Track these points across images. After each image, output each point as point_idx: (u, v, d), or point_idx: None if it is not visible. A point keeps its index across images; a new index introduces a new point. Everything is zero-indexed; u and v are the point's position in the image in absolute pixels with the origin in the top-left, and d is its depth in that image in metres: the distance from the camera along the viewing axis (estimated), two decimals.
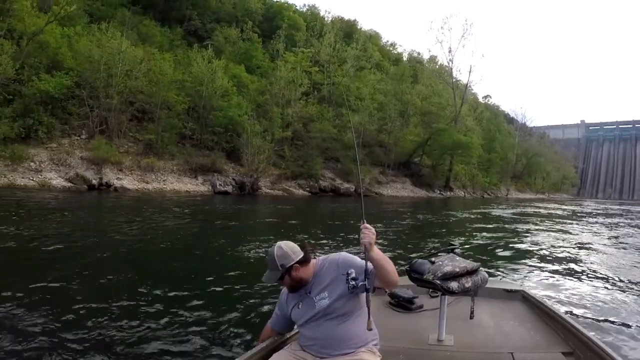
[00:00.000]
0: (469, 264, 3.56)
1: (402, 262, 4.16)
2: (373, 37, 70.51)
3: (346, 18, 69.83)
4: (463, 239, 14.09)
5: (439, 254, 3.83)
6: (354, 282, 2.55)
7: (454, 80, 62.90)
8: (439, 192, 53.87)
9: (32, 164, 26.99)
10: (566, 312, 4.96)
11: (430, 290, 4.25)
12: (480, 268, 3.66)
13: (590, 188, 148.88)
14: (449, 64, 63.86)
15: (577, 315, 6.48)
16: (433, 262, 3.56)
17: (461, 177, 61.23)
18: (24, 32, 30.58)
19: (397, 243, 12.74)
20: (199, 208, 21.93)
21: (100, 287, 6.64)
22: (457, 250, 3.92)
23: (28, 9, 31.86)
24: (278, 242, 2.82)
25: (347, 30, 62.18)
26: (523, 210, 34.23)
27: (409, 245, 12.30)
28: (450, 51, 63.78)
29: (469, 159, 57.38)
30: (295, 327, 3.03)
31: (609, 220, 27.99)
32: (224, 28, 49.96)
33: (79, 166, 28.08)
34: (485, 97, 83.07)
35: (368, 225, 2.56)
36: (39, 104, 28.80)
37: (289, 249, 2.78)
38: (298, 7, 67.44)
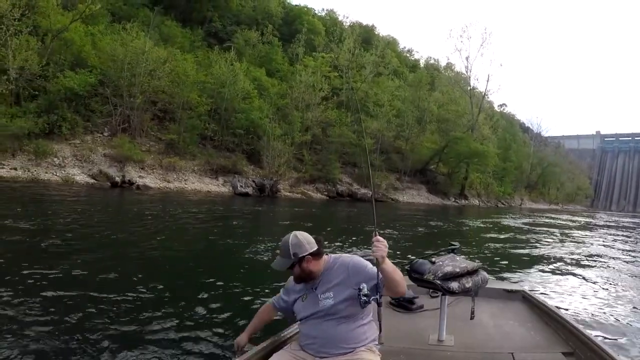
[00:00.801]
0: (469, 264, 3.60)
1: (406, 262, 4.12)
2: (390, 43, 70.46)
3: (364, 23, 70.12)
4: (475, 248, 14.03)
5: (439, 254, 3.85)
6: (365, 298, 2.53)
7: (471, 88, 62.72)
8: (453, 199, 53.71)
9: (55, 159, 27.28)
10: (566, 313, 4.92)
11: (431, 290, 4.28)
12: (481, 268, 3.70)
13: (604, 200, 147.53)
14: (467, 72, 63.66)
15: (577, 316, 6.53)
16: (433, 263, 3.59)
17: (476, 186, 60.97)
18: (49, 29, 30.96)
19: (408, 248, 12.82)
20: (220, 208, 22.16)
21: (112, 283, 6.72)
22: (458, 251, 3.96)
23: (53, 6, 32.28)
24: (294, 231, 2.80)
25: (365, 36, 62.21)
26: (537, 220, 34.08)
27: (418, 249, 12.31)
28: (467, 59, 63.74)
29: (484, 167, 57.16)
30: (296, 323, 3.03)
31: (620, 232, 27.86)
32: (244, 31, 50.15)
33: (102, 163, 28.35)
34: (501, 105, 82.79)
35: (380, 238, 2.55)
36: (63, 101, 29.12)
37: (304, 238, 2.75)
38: (316, 12, 67.71)
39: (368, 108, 47.63)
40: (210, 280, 7.22)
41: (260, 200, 29.30)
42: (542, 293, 8.07)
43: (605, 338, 5.49)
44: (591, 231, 27.71)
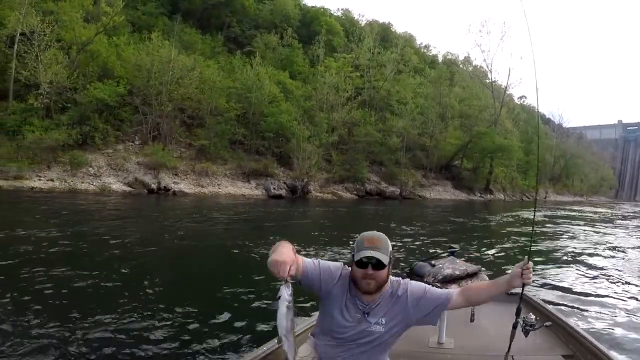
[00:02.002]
0: (469, 266, 3.64)
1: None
2: (408, 40, 70.26)
3: (380, 21, 70.09)
4: (499, 245, 13.87)
5: (439, 256, 3.86)
6: None
7: (493, 82, 62.30)
8: (479, 194, 53.41)
9: (90, 169, 27.72)
10: (566, 315, 4.81)
11: None
12: (481, 271, 3.72)
13: (629, 190, 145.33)
14: (487, 67, 63.24)
15: (577, 318, 6.48)
16: (433, 265, 3.62)
17: (501, 180, 60.55)
18: (74, 42, 31.40)
19: (433, 244, 12.83)
20: (260, 210, 22.37)
21: (143, 285, 7.01)
22: (457, 254, 3.95)
23: (77, 20, 32.73)
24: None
25: (383, 34, 62.19)
26: (561, 213, 34.11)
27: (444, 245, 12.26)
28: (487, 54, 63.36)
29: (509, 161, 56.79)
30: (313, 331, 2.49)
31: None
32: (264, 35, 50.38)
33: (136, 171, 28.74)
34: (521, 97, 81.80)
35: (531, 265, 2.33)
36: (94, 112, 29.50)
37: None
38: (332, 12, 67.72)
39: (392, 106, 47.58)
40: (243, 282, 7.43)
41: (293, 202, 29.63)
42: (545, 289, 8.32)
43: (606, 341, 5.35)
44: (613, 224, 27.45)
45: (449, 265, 3.54)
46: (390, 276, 2.39)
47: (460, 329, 3.78)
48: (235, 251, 10.54)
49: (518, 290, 4.77)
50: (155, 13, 47.21)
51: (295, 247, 2.18)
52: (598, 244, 16.08)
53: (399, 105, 47.68)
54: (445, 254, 3.91)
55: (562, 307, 7.10)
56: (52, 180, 25.90)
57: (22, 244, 9.58)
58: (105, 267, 8.00)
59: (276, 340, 1.96)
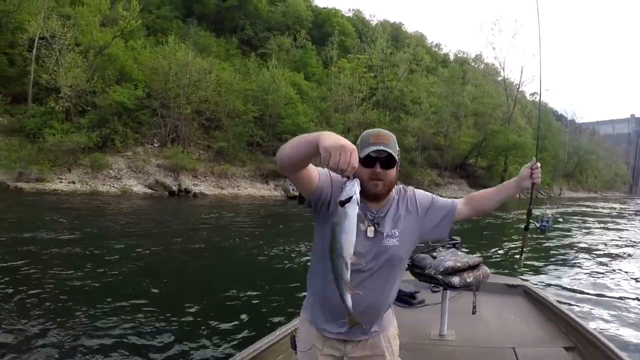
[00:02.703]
0: (470, 258, 3.61)
1: None
2: (419, 39, 70.18)
3: (391, 21, 70.12)
4: (508, 244, 13.83)
5: (440, 248, 3.82)
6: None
7: (505, 80, 62.06)
8: None
9: (111, 171, 28.05)
10: (568, 307, 4.93)
11: (432, 285, 4.10)
12: (482, 263, 3.69)
13: None
14: (500, 65, 63.04)
15: (579, 310, 6.59)
16: (435, 257, 3.58)
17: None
18: (91, 45, 31.76)
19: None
20: (276, 211, 22.59)
21: (159, 286, 7.34)
22: (459, 245, 3.95)
23: (95, 24, 33.05)
24: None
25: (394, 34, 62.19)
26: (575, 209, 34.32)
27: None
28: (499, 51, 63.04)
29: (523, 159, 56.43)
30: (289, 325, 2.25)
31: None
32: (277, 37, 50.53)
33: (157, 173, 29.04)
34: (533, 94, 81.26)
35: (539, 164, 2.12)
36: (113, 115, 29.78)
37: None
38: (344, 13, 67.84)
39: (407, 106, 47.58)
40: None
41: None
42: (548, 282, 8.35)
43: (607, 332, 5.55)
44: (627, 220, 27.49)
45: (451, 257, 3.52)
46: None
47: (462, 321, 3.77)
48: (255, 252, 10.81)
49: (519, 282, 4.89)
50: (170, 16, 47.63)
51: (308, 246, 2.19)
52: (609, 239, 16.26)
53: (413, 105, 47.63)
54: (447, 246, 3.91)
55: (566, 299, 7.24)
56: (73, 182, 26.24)
57: (42, 244, 9.97)
58: (123, 268, 8.35)
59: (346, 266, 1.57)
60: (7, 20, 30.86)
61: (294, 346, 2.13)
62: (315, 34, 56.04)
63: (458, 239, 4.00)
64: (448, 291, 3.55)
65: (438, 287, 3.55)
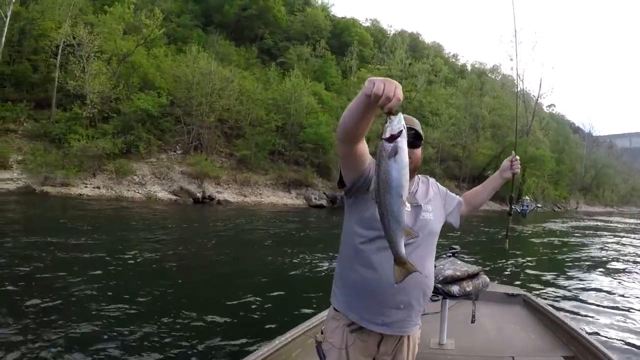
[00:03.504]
0: (470, 267, 3.60)
1: None
2: (436, 50, 70.34)
3: (409, 31, 70.33)
4: (526, 260, 13.48)
5: (440, 257, 3.78)
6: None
7: (524, 93, 61.87)
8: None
9: (135, 177, 28.25)
10: (567, 317, 4.83)
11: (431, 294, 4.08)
12: (481, 272, 3.67)
13: None
14: (519, 77, 62.96)
15: (579, 319, 6.59)
16: (435, 266, 3.50)
17: (533, 190, 59.94)
18: (114, 53, 32.27)
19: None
20: (298, 219, 22.67)
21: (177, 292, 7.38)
22: (459, 254, 3.95)
23: (119, 32, 33.47)
24: None
25: (412, 44, 62.33)
26: (591, 224, 34.01)
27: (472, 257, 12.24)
28: (513, 62, 62.85)
29: (541, 172, 56.24)
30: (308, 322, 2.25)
31: None
32: (296, 46, 50.79)
33: (180, 180, 29.23)
34: (549, 106, 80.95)
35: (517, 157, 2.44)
36: (137, 122, 30.03)
37: None
38: (361, 23, 68.15)
39: (426, 117, 47.58)
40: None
41: (333, 211, 29.72)
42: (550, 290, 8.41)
43: (606, 342, 5.49)
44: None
45: (450, 267, 3.52)
46: None
47: (461, 330, 3.77)
48: (277, 259, 10.85)
49: (519, 292, 4.83)
50: (190, 25, 48.12)
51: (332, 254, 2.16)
52: (616, 254, 16.11)
53: (433, 116, 47.64)
54: (446, 255, 3.91)
55: (566, 309, 7.22)
56: (98, 187, 26.48)
57: (68, 247, 10.16)
58: (145, 272, 8.61)
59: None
60: (31, 27, 31.31)
61: (321, 355, 2.04)
62: (333, 43, 56.30)
63: (457, 247, 4.02)
64: (447, 300, 3.54)
65: (437, 296, 3.48)
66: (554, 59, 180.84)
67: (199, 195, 28.18)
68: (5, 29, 28.35)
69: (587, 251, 16.59)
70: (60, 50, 30.18)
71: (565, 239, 21.24)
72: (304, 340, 3.34)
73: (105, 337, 5.10)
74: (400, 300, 1.92)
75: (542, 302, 4.61)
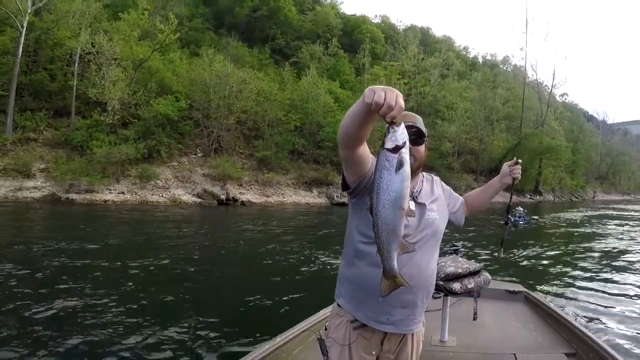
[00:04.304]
0: (471, 264, 3.57)
1: None
2: (447, 43, 70.04)
3: (419, 26, 70.14)
4: (540, 253, 13.45)
5: (441, 254, 3.66)
6: None
7: (538, 83, 61.52)
8: (529, 196, 52.61)
9: (158, 181, 28.51)
10: (568, 313, 4.91)
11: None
12: (483, 269, 3.65)
13: None
14: (532, 67, 62.61)
15: (581, 315, 6.63)
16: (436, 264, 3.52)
17: (550, 181, 59.64)
18: (130, 59, 32.58)
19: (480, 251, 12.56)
20: (321, 218, 23.01)
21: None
22: (460, 252, 3.93)
23: (135, 39, 33.70)
24: None
25: (422, 38, 62.12)
26: (608, 213, 33.93)
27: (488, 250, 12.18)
28: (521, 51, 62.48)
29: (558, 162, 55.87)
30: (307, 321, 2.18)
31: None
32: (308, 45, 50.81)
33: (203, 182, 29.45)
34: (562, 95, 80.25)
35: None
36: (158, 126, 30.24)
37: None
38: (371, 19, 68.06)
39: (440, 112, 47.45)
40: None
41: None
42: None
43: (608, 339, 5.53)
44: None
45: (451, 264, 3.50)
46: None
47: (462, 327, 3.77)
48: (299, 257, 11.06)
49: (520, 288, 4.83)
50: (201, 28, 48.29)
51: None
52: (626, 246, 15.71)
53: (448, 110, 47.49)
54: (448, 252, 3.91)
55: (568, 305, 7.29)
56: (123, 193, 26.76)
57: (98, 254, 10.45)
58: (170, 272, 8.91)
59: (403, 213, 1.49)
60: (46, 36, 31.59)
61: (324, 351, 2.04)
62: (344, 41, 56.24)
63: (459, 245, 4.04)
64: (449, 297, 3.54)
65: (439, 293, 3.48)
66: (566, 48, 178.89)
67: (223, 197, 28.46)
68: (22, 39, 28.72)
69: (597, 243, 16.34)
70: (78, 58, 30.49)
71: (576, 230, 21.19)
72: (306, 336, 3.38)
73: (126, 335, 5.29)
74: (406, 299, 1.92)
75: (543, 298, 4.64)
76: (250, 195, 30.19)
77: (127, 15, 36.02)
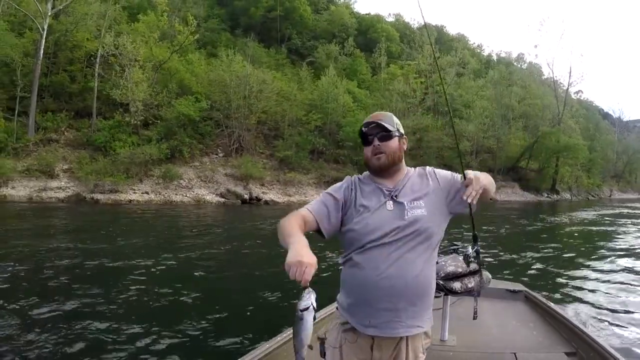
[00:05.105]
0: (471, 264, 3.45)
1: None
2: (461, 41, 69.92)
3: (433, 24, 70.06)
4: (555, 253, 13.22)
5: (441, 254, 3.70)
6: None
7: (555, 81, 61.10)
8: (546, 195, 52.34)
9: (181, 181, 28.73)
10: (568, 313, 4.88)
11: None
12: (483, 268, 3.60)
13: None
14: (548, 65, 62.20)
15: (580, 315, 6.56)
16: (437, 262, 3.48)
17: (567, 180, 59.24)
18: (150, 60, 32.96)
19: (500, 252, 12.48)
20: None
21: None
22: (460, 251, 3.78)
23: (155, 40, 33.96)
24: None
25: (436, 36, 62.13)
26: (621, 212, 33.33)
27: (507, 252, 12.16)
28: (535, 48, 61.99)
29: (575, 160, 55.49)
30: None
31: None
32: (324, 45, 50.93)
33: (225, 182, 29.66)
34: (577, 92, 79.49)
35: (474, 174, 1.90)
36: (180, 127, 30.45)
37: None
38: (385, 18, 68.09)
39: (459, 111, 47.34)
40: None
41: None
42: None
43: (608, 338, 5.50)
44: None
45: (452, 263, 3.47)
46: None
47: (463, 326, 3.77)
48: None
49: (520, 288, 4.98)
50: (217, 29, 48.58)
51: None
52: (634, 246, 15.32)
53: (466, 109, 47.38)
54: (448, 252, 3.84)
55: (568, 305, 7.25)
56: (147, 193, 27.01)
57: (130, 252, 10.60)
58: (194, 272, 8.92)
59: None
60: (65, 39, 31.93)
61: (322, 353, 2.07)
62: (359, 40, 56.46)
63: (459, 244, 3.95)
64: (449, 296, 3.52)
65: (439, 293, 3.43)
66: (582, 44, 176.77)
67: (246, 196, 28.74)
68: (43, 41, 29.07)
69: (604, 242, 16.00)
70: (98, 59, 30.82)
71: (585, 228, 20.87)
72: None
73: (130, 333, 5.38)
74: (385, 306, 1.86)
75: (543, 298, 4.63)
76: (272, 195, 30.44)
77: (146, 17, 36.37)
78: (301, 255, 1.59)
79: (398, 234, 1.85)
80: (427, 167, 2.11)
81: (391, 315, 1.85)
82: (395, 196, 1.94)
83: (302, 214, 1.93)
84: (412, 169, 2.09)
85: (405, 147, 2.05)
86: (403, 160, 2.05)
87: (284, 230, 1.79)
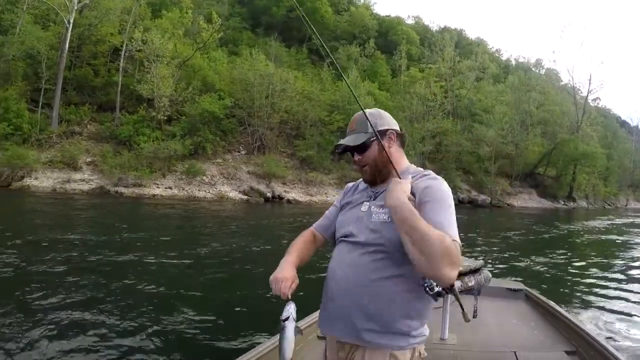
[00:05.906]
0: (472, 262, 3.49)
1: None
2: (480, 45, 69.65)
3: (452, 27, 69.85)
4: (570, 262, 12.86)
5: None
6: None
7: (575, 88, 60.58)
8: (563, 202, 52.00)
9: (204, 177, 28.93)
10: (569, 311, 4.84)
11: None
12: (483, 267, 3.58)
13: None
14: (569, 72, 61.72)
15: (580, 314, 6.61)
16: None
17: (584, 188, 58.76)
18: (173, 56, 33.26)
19: (511, 257, 12.45)
20: None
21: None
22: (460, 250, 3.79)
23: (180, 37, 34.23)
24: None
25: (456, 40, 61.92)
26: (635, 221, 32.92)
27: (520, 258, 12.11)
28: (554, 54, 61.42)
29: (593, 168, 55.02)
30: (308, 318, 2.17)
31: None
32: (344, 46, 50.99)
33: (249, 180, 29.83)
34: (595, 99, 78.59)
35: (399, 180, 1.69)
36: (204, 124, 30.66)
37: (386, 114, 1.94)
38: (405, 20, 68.01)
39: (477, 115, 47.19)
40: None
41: None
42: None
43: (608, 337, 5.56)
44: None
45: None
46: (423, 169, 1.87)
47: (462, 325, 3.61)
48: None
49: (521, 286, 4.91)
50: (239, 27, 48.78)
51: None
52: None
53: (486, 114, 47.22)
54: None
55: (568, 304, 7.28)
56: (170, 188, 27.25)
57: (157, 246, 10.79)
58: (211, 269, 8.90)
59: None
60: (90, 32, 32.29)
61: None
62: (379, 42, 56.42)
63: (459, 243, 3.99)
64: (449, 295, 3.32)
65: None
66: (602, 52, 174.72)
67: (269, 194, 28.98)
68: (69, 35, 29.43)
69: (611, 250, 16.12)
70: (123, 54, 31.12)
71: (596, 237, 20.77)
72: (307, 334, 3.38)
73: (132, 329, 5.32)
74: (336, 301, 1.78)
75: (543, 297, 4.63)
76: (294, 194, 30.72)
77: (169, 13, 36.65)
78: (279, 272, 1.77)
79: (359, 235, 1.76)
80: (428, 176, 1.76)
81: (342, 316, 1.74)
82: (374, 198, 1.83)
83: (309, 231, 2.08)
84: (421, 170, 1.84)
85: (392, 141, 1.86)
86: (394, 159, 1.81)
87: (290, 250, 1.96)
